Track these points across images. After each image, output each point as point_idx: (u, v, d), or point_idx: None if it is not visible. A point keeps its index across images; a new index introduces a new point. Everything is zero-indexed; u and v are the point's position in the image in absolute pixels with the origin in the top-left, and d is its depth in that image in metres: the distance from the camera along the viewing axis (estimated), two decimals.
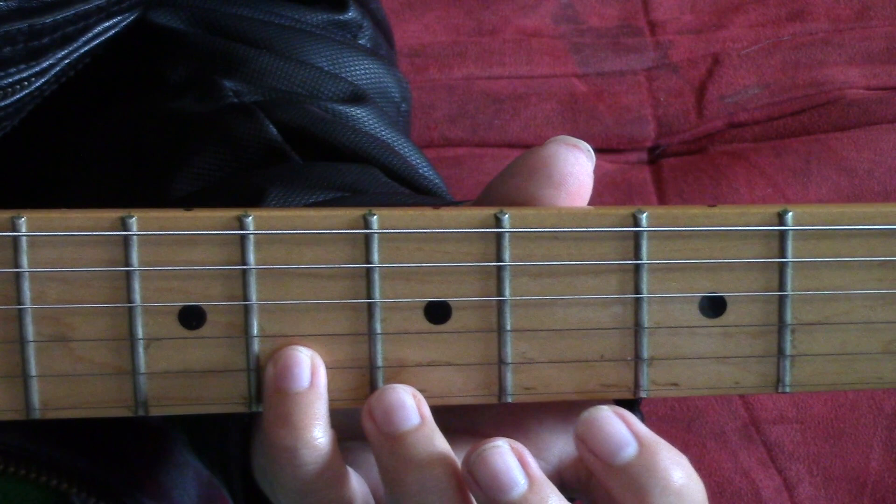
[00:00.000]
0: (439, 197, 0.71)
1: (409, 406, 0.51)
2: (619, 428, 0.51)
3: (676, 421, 1.03)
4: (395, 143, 0.74)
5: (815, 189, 1.17)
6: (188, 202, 0.68)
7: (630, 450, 0.50)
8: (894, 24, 1.30)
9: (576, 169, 0.53)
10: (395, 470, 0.51)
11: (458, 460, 0.51)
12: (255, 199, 0.65)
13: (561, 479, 0.55)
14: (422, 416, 0.51)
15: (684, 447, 1.00)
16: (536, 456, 0.52)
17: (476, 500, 0.51)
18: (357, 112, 0.74)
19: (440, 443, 0.51)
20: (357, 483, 0.54)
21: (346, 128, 0.71)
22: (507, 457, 0.50)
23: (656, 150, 1.25)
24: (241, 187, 0.67)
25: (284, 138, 0.70)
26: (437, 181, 0.73)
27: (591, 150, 0.53)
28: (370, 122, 0.74)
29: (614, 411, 0.51)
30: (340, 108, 0.73)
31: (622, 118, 1.24)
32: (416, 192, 0.70)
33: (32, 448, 0.65)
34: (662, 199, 1.19)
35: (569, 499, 0.53)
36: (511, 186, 0.53)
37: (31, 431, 0.65)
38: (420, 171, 0.72)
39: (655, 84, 1.27)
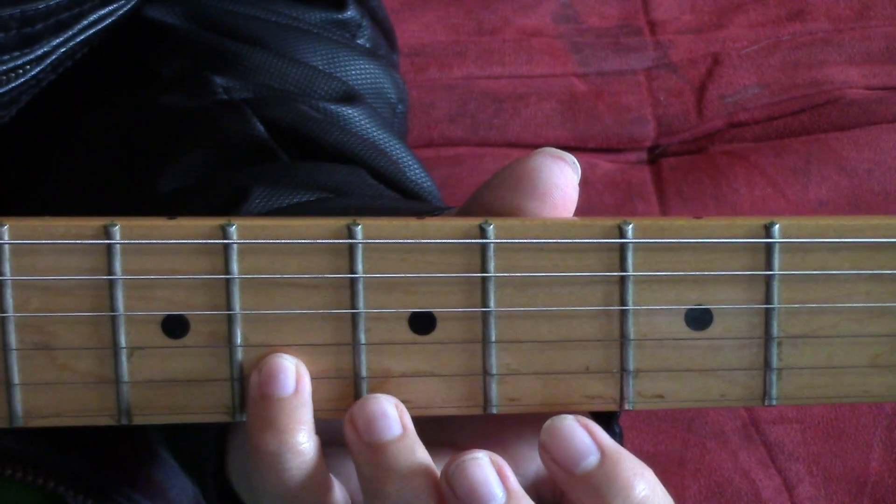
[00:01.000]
0: (426, 200, 0.71)
1: (391, 416, 0.51)
2: (581, 437, 0.51)
3: (676, 421, 1.03)
4: (386, 145, 0.74)
5: (815, 189, 1.16)
6: (174, 198, 0.68)
7: (592, 459, 0.50)
8: (894, 24, 1.29)
9: (561, 181, 0.52)
10: (375, 479, 0.51)
11: (438, 472, 0.51)
12: (238, 198, 0.65)
13: (538, 494, 0.55)
14: (403, 427, 0.51)
15: (684, 447, 1.00)
16: (514, 470, 0.51)
17: None
18: (349, 112, 0.74)
19: (421, 453, 0.51)
20: (339, 490, 0.54)
21: (335, 127, 0.71)
22: (486, 469, 0.50)
23: (656, 150, 1.24)
24: (225, 186, 0.67)
25: (272, 136, 0.70)
26: (426, 184, 0.73)
27: (577, 163, 0.53)
28: (362, 122, 0.74)
29: (578, 421, 0.51)
30: (332, 107, 0.73)
31: (622, 118, 1.24)
32: (403, 195, 0.70)
33: (27, 450, 0.65)
34: (662, 199, 1.18)
35: None
36: (495, 197, 0.53)
37: (25, 434, 0.65)
38: (408, 173, 0.72)
39: (655, 84, 1.27)
